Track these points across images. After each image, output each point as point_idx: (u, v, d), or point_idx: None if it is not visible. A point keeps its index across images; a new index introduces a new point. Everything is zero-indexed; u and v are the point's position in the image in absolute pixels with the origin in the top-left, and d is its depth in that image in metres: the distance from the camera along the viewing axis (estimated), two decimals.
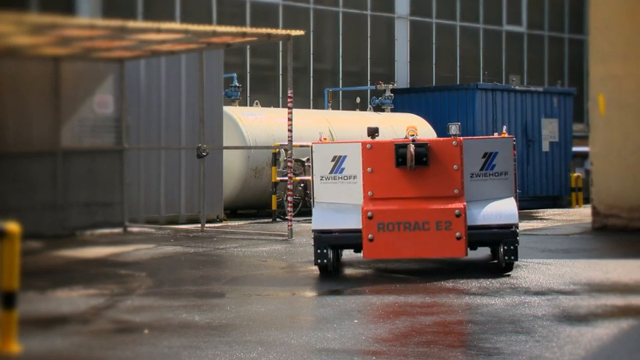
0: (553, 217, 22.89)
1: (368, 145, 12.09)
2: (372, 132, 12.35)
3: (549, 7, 38.81)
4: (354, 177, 12.08)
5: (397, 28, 33.97)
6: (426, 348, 7.74)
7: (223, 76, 22.06)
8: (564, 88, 32.24)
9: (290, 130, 17.16)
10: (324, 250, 11.84)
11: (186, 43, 18.23)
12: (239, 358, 7.45)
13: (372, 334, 8.41)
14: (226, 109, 22.43)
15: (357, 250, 12.20)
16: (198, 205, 19.78)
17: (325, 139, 12.68)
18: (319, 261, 11.88)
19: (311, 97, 31.49)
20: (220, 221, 20.84)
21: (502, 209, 11.89)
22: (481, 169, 12.08)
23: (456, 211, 11.66)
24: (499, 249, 11.95)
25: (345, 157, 12.12)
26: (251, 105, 27.34)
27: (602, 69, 19.45)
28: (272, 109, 25.56)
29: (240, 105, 25.14)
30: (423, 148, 11.92)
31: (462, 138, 12.09)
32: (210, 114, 20.39)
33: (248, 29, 18.74)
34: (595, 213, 19.31)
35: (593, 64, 19.93)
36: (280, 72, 30.37)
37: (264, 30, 17.82)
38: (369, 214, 11.73)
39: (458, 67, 35.74)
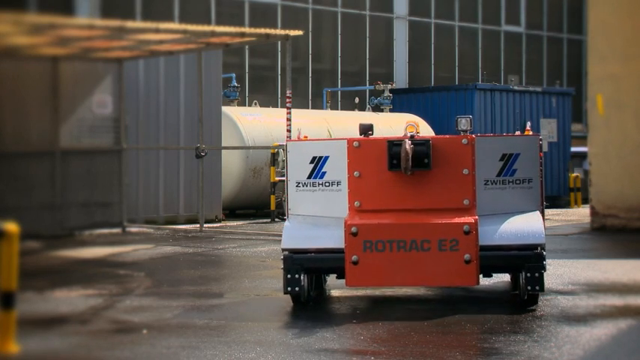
0: (552, 217, 22.88)
1: (355, 143, 9.84)
2: (366, 130, 10.07)
3: (548, 8, 38.83)
4: (338, 183, 9.88)
5: (396, 28, 33.98)
6: (425, 348, 7.75)
7: (222, 76, 22.08)
8: (563, 89, 32.28)
9: (289, 130, 17.16)
10: (296, 275, 9.53)
11: (185, 43, 18.23)
12: (237, 358, 7.45)
13: (371, 334, 8.41)
14: (225, 109, 22.44)
15: (341, 275, 9.82)
16: (196, 206, 19.78)
17: (306, 137, 10.58)
18: (289, 289, 9.56)
19: (310, 97, 31.50)
20: (219, 221, 20.84)
21: (524, 226, 9.53)
22: (498, 175, 9.77)
23: (465, 226, 9.33)
24: (520, 277, 9.58)
25: (326, 158, 9.93)
26: (250, 105, 27.34)
27: (601, 69, 19.46)
28: (271, 109, 25.57)
29: (238, 105, 25.15)
30: (423, 146, 9.64)
31: (474, 135, 9.85)
32: (208, 114, 20.40)
33: (247, 29, 18.76)
34: (593, 213, 19.32)
35: (591, 65, 19.94)
36: (279, 72, 30.38)
37: (262, 30, 17.82)
38: (354, 229, 9.38)
39: (457, 67, 35.75)
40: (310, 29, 31.25)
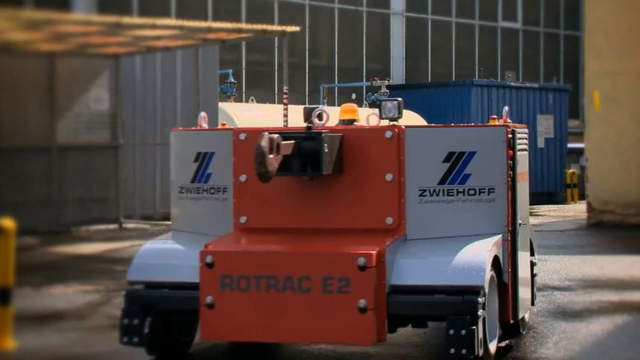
0: (548, 214, 22.90)
1: (241, 135, 7.20)
2: (309, 114, 7.25)
3: (544, 4, 38.83)
4: (224, 190, 7.23)
5: (392, 24, 33.98)
6: (424, 347, 7.75)
7: (219, 72, 22.06)
8: (560, 85, 32.29)
9: (286, 127, 17.16)
10: (134, 320, 6.83)
11: (182, 39, 18.22)
12: (237, 350, 7.44)
13: None
14: (222, 105, 22.42)
15: None
16: None
17: (224, 124, 8.02)
18: (125, 339, 6.87)
19: (306, 94, 31.49)
20: None
21: (461, 258, 6.57)
22: (442, 183, 6.89)
23: (360, 259, 6.39)
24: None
25: (212, 154, 7.33)
26: (246, 101, 27.33)
27: (598, 65, 19.48)
28: (268, 105, 25.56)
29: (235, 101, 25.13)
30: (312, 141, 6.76)
31: (404, 126, 6.96)
32: (205, 110, 20.30)
33: (243, 25, 18.77)
34: (590, 209, 19.34)
35: (588, 61, 19.96)
36: (276, 68, 30.37)
37: (259, 26, 17.81)
38: (208, 258, 6.65)
39: (453, 64, 35.75)
40: (307, 25, 31.24)
